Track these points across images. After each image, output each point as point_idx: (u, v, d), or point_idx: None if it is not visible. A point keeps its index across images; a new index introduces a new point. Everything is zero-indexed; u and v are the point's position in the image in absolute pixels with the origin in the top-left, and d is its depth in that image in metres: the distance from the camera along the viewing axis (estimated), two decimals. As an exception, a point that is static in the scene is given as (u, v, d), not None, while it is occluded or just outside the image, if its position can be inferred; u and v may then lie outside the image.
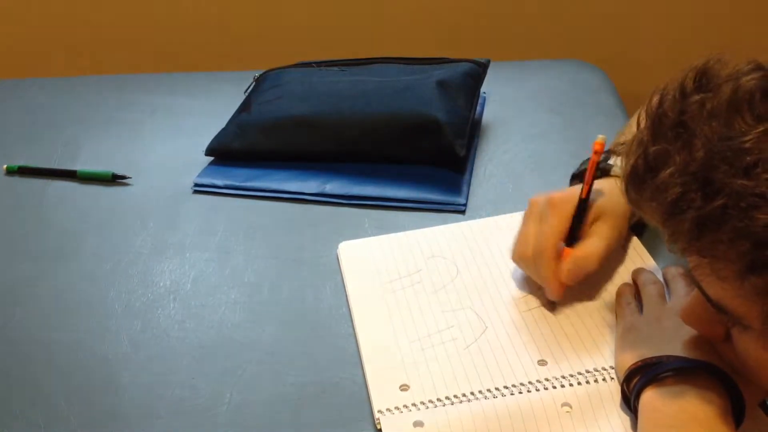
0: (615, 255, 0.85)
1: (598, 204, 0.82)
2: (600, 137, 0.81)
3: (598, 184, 0.83)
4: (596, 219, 0.81)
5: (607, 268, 0.84)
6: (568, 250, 0.80)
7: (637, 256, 0.87)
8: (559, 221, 0.80)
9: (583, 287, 0.82)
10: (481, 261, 0.88)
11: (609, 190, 0.83)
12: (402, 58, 1.15)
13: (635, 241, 0.88)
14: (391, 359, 0.76)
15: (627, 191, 0.61)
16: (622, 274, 0.84)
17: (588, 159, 0.84)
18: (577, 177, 0.91)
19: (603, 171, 0.86)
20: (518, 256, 0.83)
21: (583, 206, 0.80)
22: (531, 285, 0.84)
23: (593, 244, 0.80)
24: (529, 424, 0.69)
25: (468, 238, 0.91)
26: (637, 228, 0.89)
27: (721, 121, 0.54)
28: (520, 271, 0.85)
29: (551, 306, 0.81)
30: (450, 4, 1.64)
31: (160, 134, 1.16)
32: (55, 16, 1.66)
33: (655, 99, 0.60)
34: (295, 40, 1.67)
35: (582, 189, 0.81)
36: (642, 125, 0.60)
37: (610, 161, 0.86)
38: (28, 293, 0.89)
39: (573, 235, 0.80)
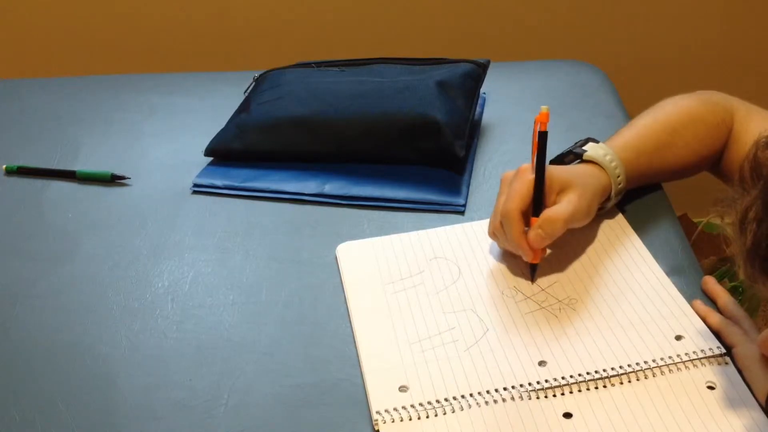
0: (597, 229, 0.89)
1: (565, 177, 0.84)
2: (544, 108, 0.84)
3: (574, 167, 0.87)
4: (563, 189, 0.84)
5: (591, 239, 0.88)
6: (535, 219, 0.82)
7: (621, 231, 0.90)
8: (521, 184, 0.83)
9: (570, 264, 0.85)
10: (483, 262, 0.88)
11: (582, 171, 0.87)
12: (402, 58, 1.15)
13: (620, 217, 0.92)
14: (390, 360, 0.76)
15: (745, 267, 0.60)
16: (608, 250, 0.88)
17: (572, 144, 0.90)
18: (554, 161, 0.92)
19: (576, 155, 0.89)
20: (491, 229, 0.86)
21: (539, 174, 0.82)
22: (533, 286, 0.84)
23: (559, 208, 0.82)
24: (529, 428, 0.69)
25: (470, 239, 0.91)
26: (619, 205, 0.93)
27: None
28: (521, 273, 0.85)
29: (531, 281, 0.84)
30: (450, 4, 1.64)
31: (160, 135, 1.16)
32: (55, 16, 1.66)
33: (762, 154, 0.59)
34: (295, 40, 1.67)
35: (532, 157, 0.84)
36: (753, 196, 0.59)
37: (585, 147, 0.89)
38: (26, 293, 0.88)
39: (538, 205, 0.83)
